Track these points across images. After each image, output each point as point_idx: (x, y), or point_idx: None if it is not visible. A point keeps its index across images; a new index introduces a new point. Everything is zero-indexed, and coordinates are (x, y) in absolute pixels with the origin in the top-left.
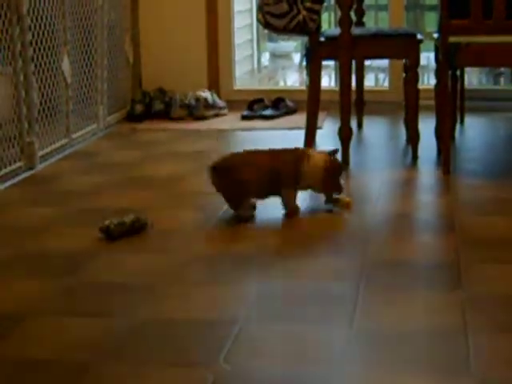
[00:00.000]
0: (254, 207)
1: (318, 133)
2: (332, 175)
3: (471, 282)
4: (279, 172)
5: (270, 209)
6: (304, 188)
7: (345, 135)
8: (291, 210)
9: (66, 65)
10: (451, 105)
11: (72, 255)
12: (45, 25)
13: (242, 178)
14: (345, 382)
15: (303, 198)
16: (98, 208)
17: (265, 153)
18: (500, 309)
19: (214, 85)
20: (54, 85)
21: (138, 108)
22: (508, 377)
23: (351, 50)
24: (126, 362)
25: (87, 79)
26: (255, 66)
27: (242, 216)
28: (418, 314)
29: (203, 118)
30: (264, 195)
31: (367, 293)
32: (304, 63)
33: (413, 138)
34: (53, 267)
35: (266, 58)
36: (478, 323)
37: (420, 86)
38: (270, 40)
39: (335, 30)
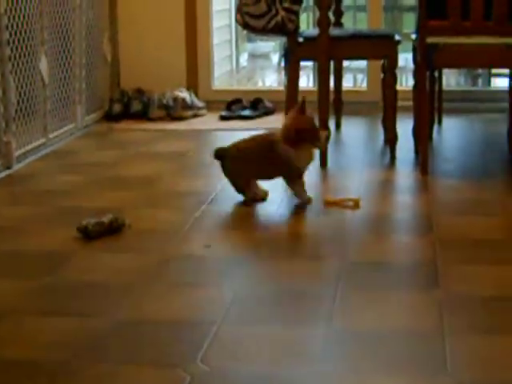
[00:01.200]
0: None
1: None
2: (305, 129)
3: (449, 283)
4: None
5: (249, 210)
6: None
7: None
8: (303, 201)
9: (43, 64)
10: (429, 106)
11: (50, 255)
12: (22, 24)
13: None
14: (322, 382)
15: (280, 199)
16: (76, 208)
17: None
18: (477, 309)
19: (192, 85)
20: (31, 84)
21: (116, 108)
22: (485, 377)
23: (329, 50)
24: (104, 361)
25: (65, 79)
26: (234, 66)
27: (251, 198)
28: (396, 314)
29: (181, 118)
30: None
31: (345, 293)
32: (282, 64)
33: (391, 138)
34: (30, 267)
35: (244, 58)
36: (456, 324)
37: (398, 87)
38: (249, 40)
39: (314, 31)
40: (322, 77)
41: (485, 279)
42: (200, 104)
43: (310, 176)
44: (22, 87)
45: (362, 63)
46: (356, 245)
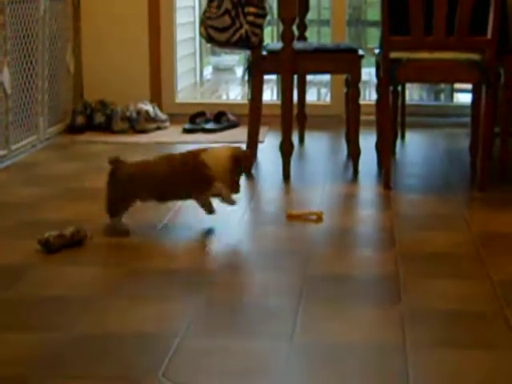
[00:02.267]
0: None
1: (260, 147)
2: (236, 168)
3: (411, 297)
4: (179, 176)
5: (210, 222)
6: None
7: (286, 149)
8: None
9: (5, 75)
10: (392, 120)
11: (10, 268)
12: None
13: (130, 183)
14: None
15: (242, 213)
16: (37, 220)
17: (163, 158)
18: (439, 323)
19: (155, 97)
20: None
21: (79, 120)
22: None
23: (293, 64)
24: (64, 376)
25: (27, 90)
26: (198, 79)
27: (117, 229)
28: (358, 328)
29: (145, 131)
30: (163, 199)
31: (307, 307)
32: (246, 77)
33: (354, 152)
34: None
35: (208, 71)
36: (417, 338)
37: (361, 102)
38: (213, 54)
39: (277, 45)
40: (285, 90)
41: (447, 293)
42: (163, 117)
43: (273, 189)
44: None
45: (326, 77)
46: (319, 258)
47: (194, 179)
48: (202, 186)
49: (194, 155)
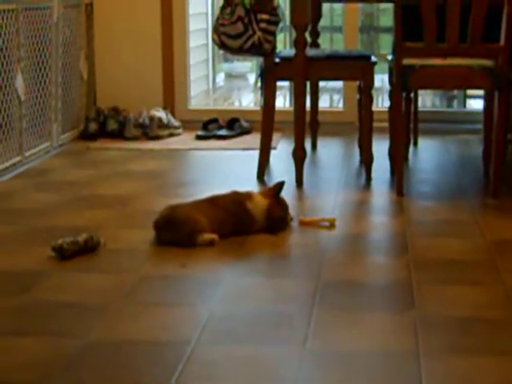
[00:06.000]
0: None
1: (272, 153)
2: (278, 221)
3: (424, 303)
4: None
5: None
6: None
7: (299, 156)
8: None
9: (19, 82)
10: (405, 127)
11: (24, 274)
12: None
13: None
14: None
15: None
16: (51, 227)
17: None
18: (452, 330)
19: (168, 104)
20: (7, 102)
21: (92, 126)
22: None
23: (306, 71)
24: (75, 382)
25: (41, 97)
26: (210, 85)
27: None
28: (371, 334)
29: (157, 137)
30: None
31: (320, 314)
32: (259, 84)
33: (366, 159)
34: (4, 286)
35: (221, 78)
36: (431, 344)
37: (374, 108)
38: (226, 60)
39: (290, 51)
40: (298, 97)
41: (460, 300)
42: (176, 123)
43: (286, 196)
44: None
45: (339, 84)
46: (331, 265)
47: (239, 221)
48: (245, 226)
49: (239, 202)
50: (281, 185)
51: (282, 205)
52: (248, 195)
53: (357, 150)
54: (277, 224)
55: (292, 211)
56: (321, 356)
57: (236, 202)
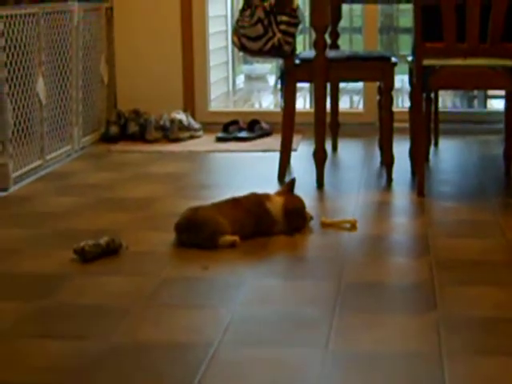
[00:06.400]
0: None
1: (293, 155)
2: (295, 215)
3: (446, 304)
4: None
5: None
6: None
7: (319, 157)
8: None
9: (40, 86)
10: (425, 127)
11: (46, 277)
12: (20, 45)
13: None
14: None
15: None
16: (73, 229)
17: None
18: (475, 330)
19: (189, 106)
20: (28, 106)
21: (113, 129)
22: None
23: (326, 72)
24: None
25: (62, 100)
26: (230, 88)
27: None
28: (394, 336)
29: (178, 139)
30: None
31: (342, 315)
32: (279, 85)
33: (387, 160)
34: (26, 289)
35: (241, 80)
36: (454, 345)
37: (394, 109)
38: (245, 62)
39: (310, 53)
40: (318, 99)
41: (482, 300)
42: (196, 125)
43: (307, 198)
44: (19, 109)
45: (359, 85)
46: (353, 266)
47: (260, 222)
48: (266, 227)
49: (259, 203)
50: (293, 181)
51: (297, 199)
52: (266, 196)
53: (377, 151)
54: (294, 218)
55: (313, 212)
56: (343, 358)
57: (256, 202)
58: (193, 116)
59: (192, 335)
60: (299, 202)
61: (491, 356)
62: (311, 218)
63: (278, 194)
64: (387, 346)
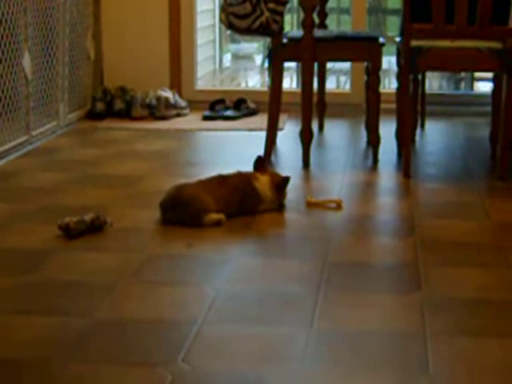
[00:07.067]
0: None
1: (279, 134)
2: (284, 189)
3: (430, 285)
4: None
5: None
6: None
7: (306, 137)
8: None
9: (26, 61)
10: (412, 109)
11: (31, 253)
12: (6, 20)
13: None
14: (305, 382)
15: None
16: (58, 205)
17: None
18: (458, 311)
19: (175, 84)
20: (14, 81)
21: (99, 106)
22: (466, 379)
23: (313, 52)
24: (84, 360)
25: (48, 76)
26: (217, 66)
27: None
28: (378, 315)
29: (164, 117)
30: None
31: (327, 294)
32: (266, 65)
33: (374, 141)
34: (11, 264)
35: (227, 59)
36: (437, 325)
37: (381, 90)
38: (232, 41)
39: (298, 32)
40: (305, 78)
41: (466, 281)
42: (183, 104)
43: (293, 177)
44: (4, 84)
45: (346, 65)
46: (338, 246)
47: (246, 200)
48: (252, 205)
49: (246, 182)
50: (260, 158)
51: (279, 175)
52: (253, 174)
53: (364, 132)
54: (283, 192)
55: (299, 192)
56: (327, 336)
57: (243, 181)
58: (179, 94)
59: (177, 312)
60: (283, 178)
61: (474, 337)
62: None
63: (261, 173)
64: (372, 326)
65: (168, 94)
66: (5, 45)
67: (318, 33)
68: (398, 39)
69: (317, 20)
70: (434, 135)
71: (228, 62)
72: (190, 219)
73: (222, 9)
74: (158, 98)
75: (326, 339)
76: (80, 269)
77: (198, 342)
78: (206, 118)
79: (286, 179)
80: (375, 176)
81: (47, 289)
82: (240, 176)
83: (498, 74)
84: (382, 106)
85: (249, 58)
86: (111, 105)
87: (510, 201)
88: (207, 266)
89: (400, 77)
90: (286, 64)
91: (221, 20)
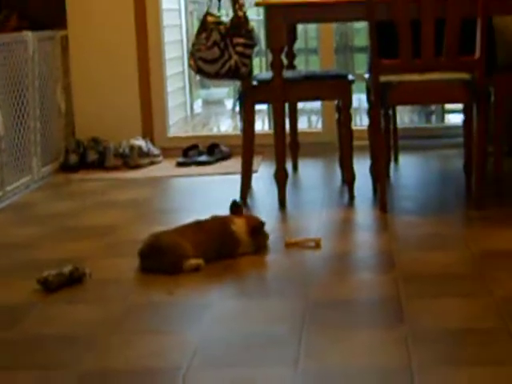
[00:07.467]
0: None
1: (254, 177)
2: (260, 232)
3: (413, 318)
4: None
5: None
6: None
7: (280, 178)
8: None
9: None
10: (385, 144)
11: (9, 308)
12: None
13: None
14: None
15: None
16: (35, 260)
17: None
18: (443, 342)
19: (147, 133)
20: None
21: (73, 158)
22: None
23: (284, 93)
24: None
25: (20, 131)
26: (188, 113)
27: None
28: (363, 351)
29: (138, 166)
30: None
31: (311, 333)
32: (237, 108)
33: (348, 178)
34: None
35: (198, 104)
36: (423, 358)
37: (353, 127)
38: (203, 87)
39: (267, 74)
40: (277, 119)
41: (450, 312)
42: (156, 151)
43: (270, 219)
44: None
45: (316, 105)
46: (319, 285)
47: (224, 244)
48: (230, 249)
49: (223, 226)
50: (235, 203)
51: (255, 218)
52: (229, 218)
53: (338, 170)
54: (259, 236)
55: (276, 233)
56: (313, 375)
57: (220, 225)
58: (152, 142)
59: (160, 360)
60: (259, 221)
61: (460, 367)
62: (268, 235)
63: (237, 216)
64: (357, 362)
65: (141, 142)
66: None
67: (287, 74)
68: (366, 76)
69: (285, 61)
70: (407, 169)
71: (199, 107)
72: (170, 266)
73: (191, 54)
74: (131, 147)
75: (313, 378)
76: (60, 322)
77: None
78: (180, 165)
79: (262, 223)
80: (352, 213)
81: (27, 344)
82: (216, 220)
83: (468, 105)
84: (355, 143)
85: (219, 102)
86: (84, 156)
87: (487, 230)
88: (189, 312)
89: (371, 113)
90: (258, 106)
91: (190, 65)
